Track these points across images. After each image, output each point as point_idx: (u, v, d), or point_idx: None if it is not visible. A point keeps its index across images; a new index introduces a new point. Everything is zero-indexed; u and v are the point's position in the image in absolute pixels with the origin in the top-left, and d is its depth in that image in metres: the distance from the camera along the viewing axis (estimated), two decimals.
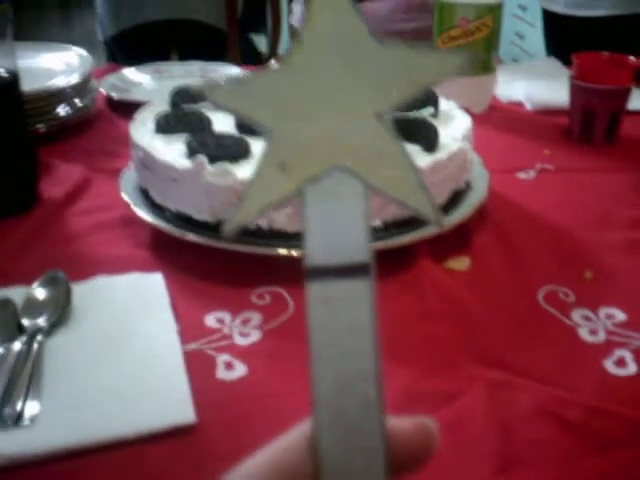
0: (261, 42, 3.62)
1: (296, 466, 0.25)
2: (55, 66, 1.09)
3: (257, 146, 0.70)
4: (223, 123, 0.76)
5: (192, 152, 0.69)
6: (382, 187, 0.25)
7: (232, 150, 0.68)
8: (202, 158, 0.66)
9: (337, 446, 0.26)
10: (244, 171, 0.66)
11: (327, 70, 0.25)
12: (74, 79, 1.04)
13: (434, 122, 0.75)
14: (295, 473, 0.25)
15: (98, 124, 1.07)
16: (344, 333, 0.26)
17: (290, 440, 0.26)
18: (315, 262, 0.25)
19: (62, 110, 1.02)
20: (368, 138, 0.25)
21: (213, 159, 0.67)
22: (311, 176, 0.25)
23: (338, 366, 0.25)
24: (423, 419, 0.27)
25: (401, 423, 0.27)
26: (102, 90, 1.13)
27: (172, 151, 0.71)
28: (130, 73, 1.23)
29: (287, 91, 0.25)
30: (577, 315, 0.64)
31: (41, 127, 0.97)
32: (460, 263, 0.70)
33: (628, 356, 0.58)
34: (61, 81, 1.03)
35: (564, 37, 1.62)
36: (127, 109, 1.03)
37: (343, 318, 0.25)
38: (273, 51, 2.11)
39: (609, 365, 0.58)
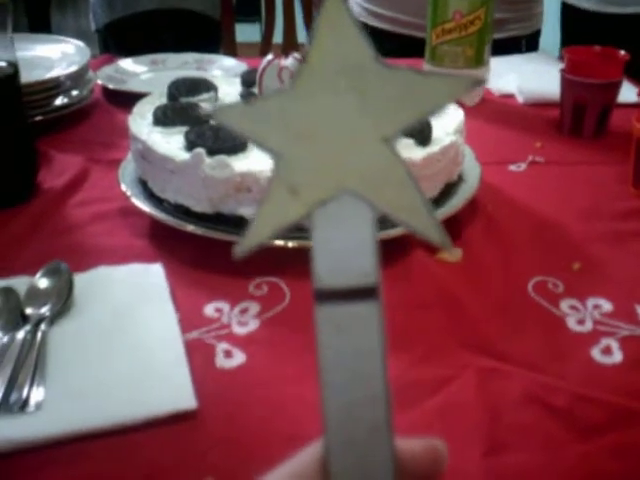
0: (255, 31, 3.62)
1: None
2: (52, 57, 1.10)
3: None
4: None
5: (190, 145, 0.70)
6: (389, 210, 0.26)
7: (230, 143, 0.70)
8: (200, 151, 0.68)
9: (347, 468, 0.26)
10: (242, 163, 0.68)
11: (334, 94, 0.25)
12: (71, 70, 1.05)
13: None
14: None
15: (95, 115, 1.08)
16: (353, 356, 0.26)
17: (302, 462, 0.27)
18: (324, 285, 0.26)
19: (59, 101, 1.03)
20: (375, 162, 0.26)
21: (211, 152, 0.68)
22: (320, 200, 0.26)
23: (347, 389, 0.26)
24: (432, 441, 0.28)
25: (410, 444, 0.27)
26: (99, 81, 1.14)
27: (170, 143, 0.72)
28: (126, 64, 1.24)
29: (295, 115, 0.25)
30: (565, 305, 0.65)
31: (39, 118, 0.98)
32: (452, 255, 0.72)
33: (614, 345, 0.60)
34: (58, 72, 1.04)
35: (590, 34, 1.58)
36: (124, 100, 1.05)
37: (352, 341, 0.26)
38: (267, 41, 2.11)
39: (596, 353, 0.59)
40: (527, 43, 1.49)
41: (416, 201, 0.26)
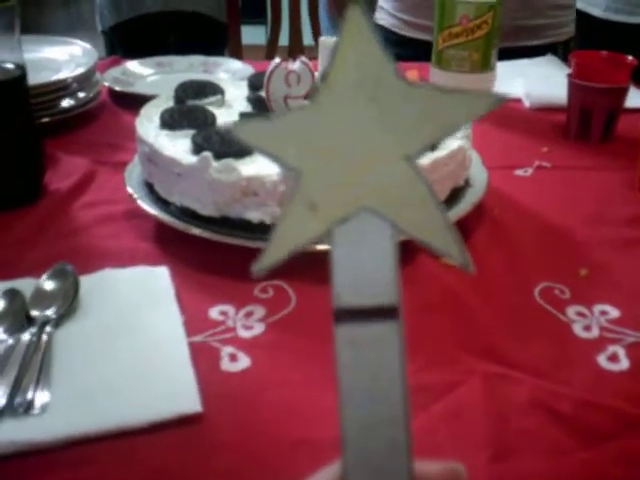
0: (261, 33, 3.62)
1: None
2: (59, 59, 1.11)
3: None
4: (227, 119, 0.78)
5: (197, 148, 0.70)
6: (410, 229, 0.25)
7: (237, 147, 0.70)
8: (207, 154, 0.68)
9: None
10: (248, 168, 0.68)
11: (355, 111, 0.25)
12: (78, 72, 1.05)
13: None
14: None
15: (102, 117, 1.08)
16: (372, 376, 0.26)
17: None
18: (343, 304, 0.26)
19: (66, 103, 1.03)
20: (396, 180, 0.25)
21: (218, 155, 0.68)
22: (340, 217, 0.25)
23: (366, 409, 0.25)
24: (451, 464, 0.28)
25: (429, 468, 0.27)
26: (105, 83, 1.14)
27: (177, 147, 0.72)
28: (133, 66, 1.24)
29: (315, 131, 0.25)
30: (572, 311, 0.65)
31: (45, 120, 0.98)
32: None
33: (621, 352, 0.60)
34: (65, 74, 1.05)
35: (598, 41, 1.59)
36: (130, 102, 1.05)
37: (371, 361, 0.26)
38: (273, 43, 2.12)
39: (602, 360, 0.59)
40: (563, 49, 1.49)
41: (437, 220, 0.25)
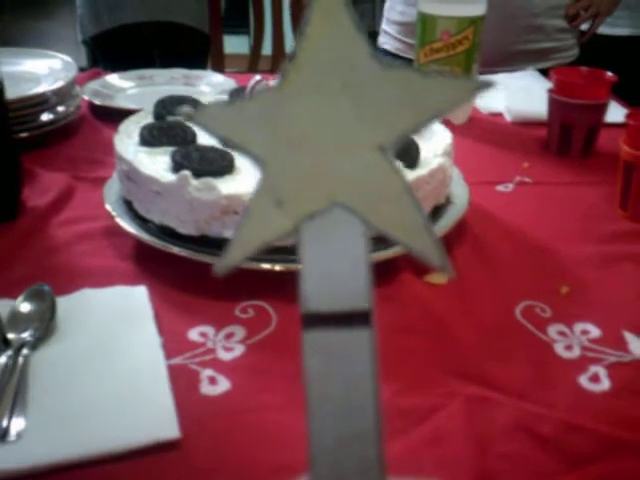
0: (244, 43, 3.62)
1: None
2: (39, 72, 1.09)
3: (241, 160, 0.71)
4: (208, 136, 0.77)
5: (176, 166, 0.69)
6: (383, 226, 0.23)
7: (216, 164, 0.69)
8: (186, 173, 0.67)
9: None
10: (228, 186, 0.67)
11: (325, 96, 0.23)
12: (57, 86, 1.04)
13: (415, 138, 0.76)
14: None
15: (82, 131, 1.07)
16: (343, 386, 0.24)
17: None
18: (312, 308, 0.24)
19: (45, 117, 1.02)
20: (369, 172, 0.23)
21: (197, 173, 0.68)
22: (308, 213, 0.23)
23: (336, 422, 0.24)
24: None
25: None
26: (85, 96, 1.13)
27: (156, 164, 0.71)
28: (113, 79, 1.23)
29: (282, 118, 0.23)
30: (553, 330, 0.65)
31: (24, 135, 0.97)
32: (440, 277, 0.72)
33: (602, 372, 0.60)
34: (44, 88, 1.03)
35: (584, 53, 1.61)
36: (111, 116, 1.04)
37: (342, 370, 0.24)
38: (256, 52, 2.11)
39: (583, 381, 0.59)
40: None
41: (413, 217, 0.23)
